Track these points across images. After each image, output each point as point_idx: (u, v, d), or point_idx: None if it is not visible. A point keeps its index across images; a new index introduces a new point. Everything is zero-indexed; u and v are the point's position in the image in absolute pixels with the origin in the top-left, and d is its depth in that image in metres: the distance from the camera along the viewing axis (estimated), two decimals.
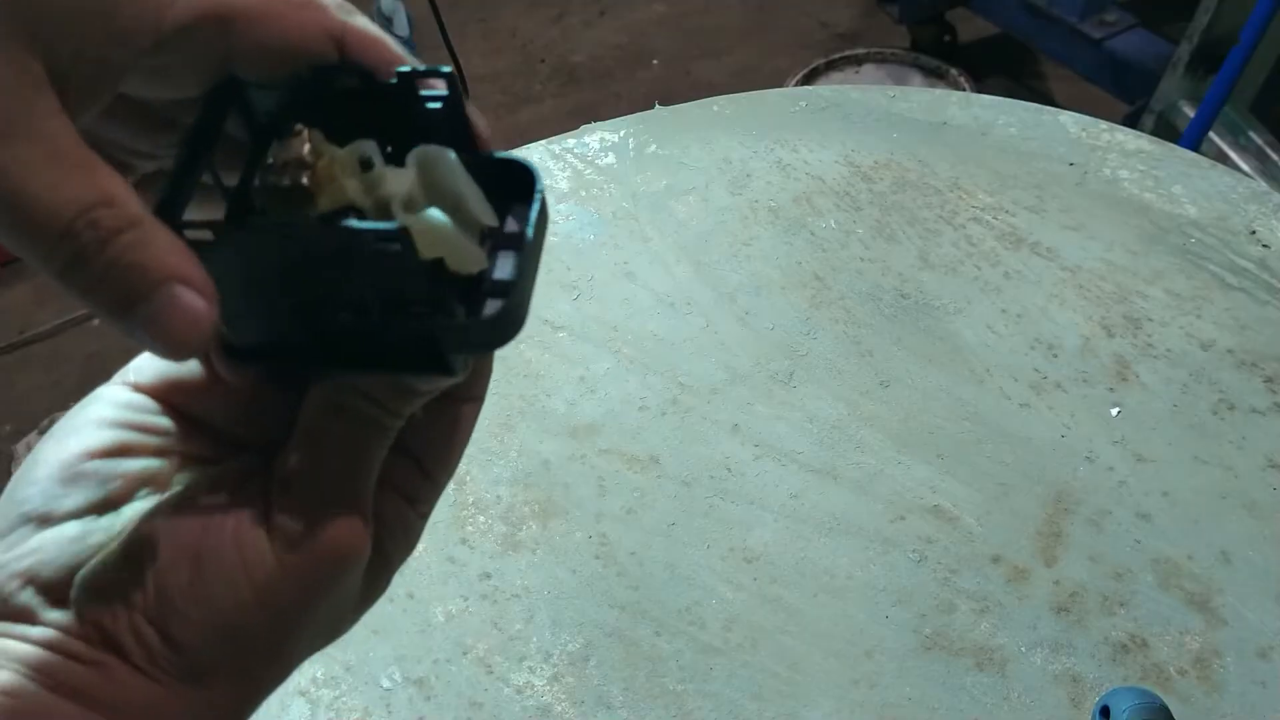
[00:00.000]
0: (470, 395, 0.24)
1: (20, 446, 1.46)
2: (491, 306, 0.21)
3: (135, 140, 0.22)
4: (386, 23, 2.11)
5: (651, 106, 0.82)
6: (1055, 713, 0.47)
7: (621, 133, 0.77)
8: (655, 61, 2.11)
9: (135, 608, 0.20)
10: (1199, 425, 0.57)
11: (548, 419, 0.60)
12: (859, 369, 0.61)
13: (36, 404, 1.54)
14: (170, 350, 0.18)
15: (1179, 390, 0.59)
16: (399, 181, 0.20)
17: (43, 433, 1.47)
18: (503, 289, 0.21)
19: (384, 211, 0.20)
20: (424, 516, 0.25)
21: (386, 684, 0.49)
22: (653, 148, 0.76)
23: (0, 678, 0.19)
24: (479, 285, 0.21)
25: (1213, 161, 0.73)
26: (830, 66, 1.78)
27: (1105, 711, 0.45)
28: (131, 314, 0.17)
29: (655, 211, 0.71)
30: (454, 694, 0.49)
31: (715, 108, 0.79)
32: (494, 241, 0.21)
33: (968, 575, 0.52)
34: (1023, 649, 0.49)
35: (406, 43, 2.13)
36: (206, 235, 0.19)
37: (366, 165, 0.20)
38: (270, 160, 0.20)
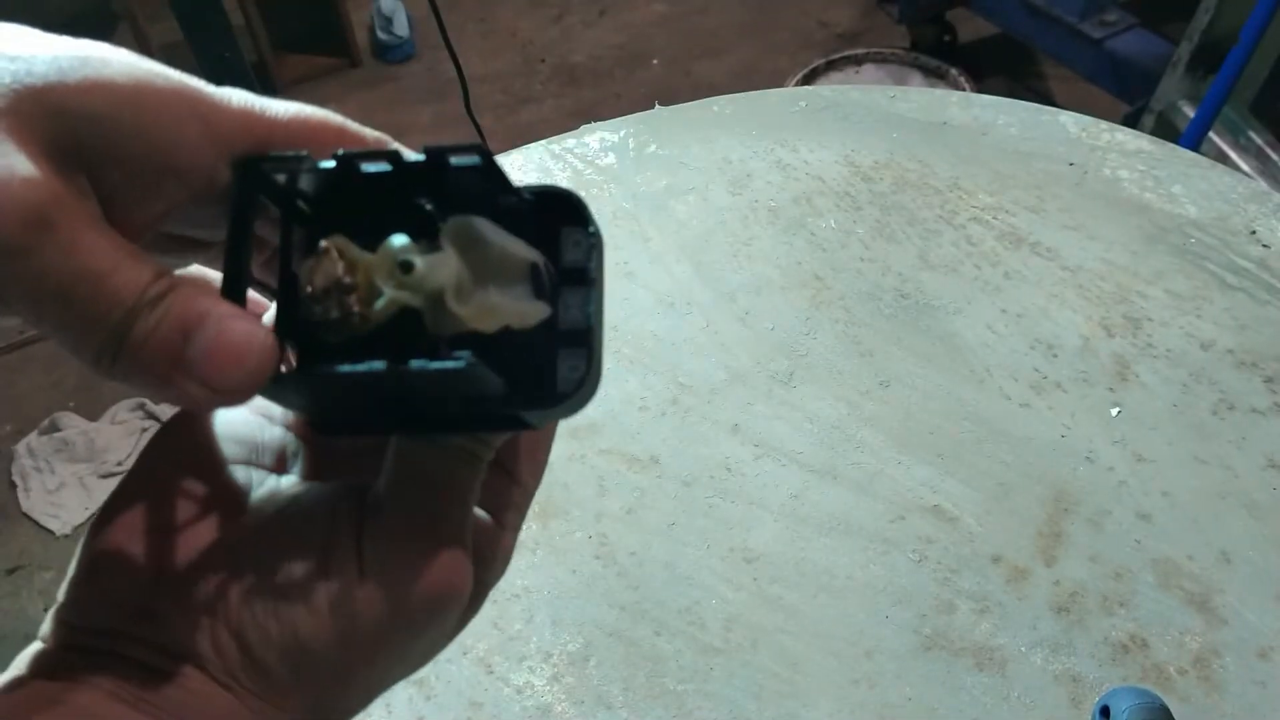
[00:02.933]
0: None
1: (20, 447, 1.46)
2: (566, 364, 0.20)
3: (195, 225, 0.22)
4: (386, 22, 2.11)
5: (651, 106, 0.82)
6: (1055, 713, 0.47)
7: (621, 133, 0.77)
8: (655, 61, 2.11)
9: (218, 617, 0.20)
10: (1199, 425, 0.57)
11: None
12: (859, 369, 0.61)
13: (36, 404, 1.54)
14: (231, 376, 0.17)
15: (1179, 390, 0.59)
16: (443, 270, 0.19)
17: (44, 433, 1.47)
18: (576, 335, 0.21)
19: (439, 307, 0.19)
20: (515, 530, 0.24)
21: None
22: (653, 148, 0.76)
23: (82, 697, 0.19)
24: (549, 336, 0.21)
25: (1213, 161, 0.73)
26: (830, 66, 1.78)
27: (1105, 711, 0.45)
28: (188, 350, 0.17)
29: (655, 211, 0.72)
30: (454, 694, 0.49)
31: (715, 108, 0.79)
32: (550, 276, 0.21)
33: (968, 575, 0.52)
34: (1023, 649, 0.49)
35: (406, 43, 2.14)
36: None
37: (406, 268, 0.19)
38: (308, 289, 0.19)
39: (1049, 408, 0.58)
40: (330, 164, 0.20)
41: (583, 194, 0.21)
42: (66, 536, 1.37)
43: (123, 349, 0.17)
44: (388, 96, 2.01)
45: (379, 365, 0.18)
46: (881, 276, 0.66)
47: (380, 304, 0.19)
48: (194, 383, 0.17)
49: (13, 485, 1.42)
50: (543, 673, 0.49)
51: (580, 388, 0.21)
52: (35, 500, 1.40)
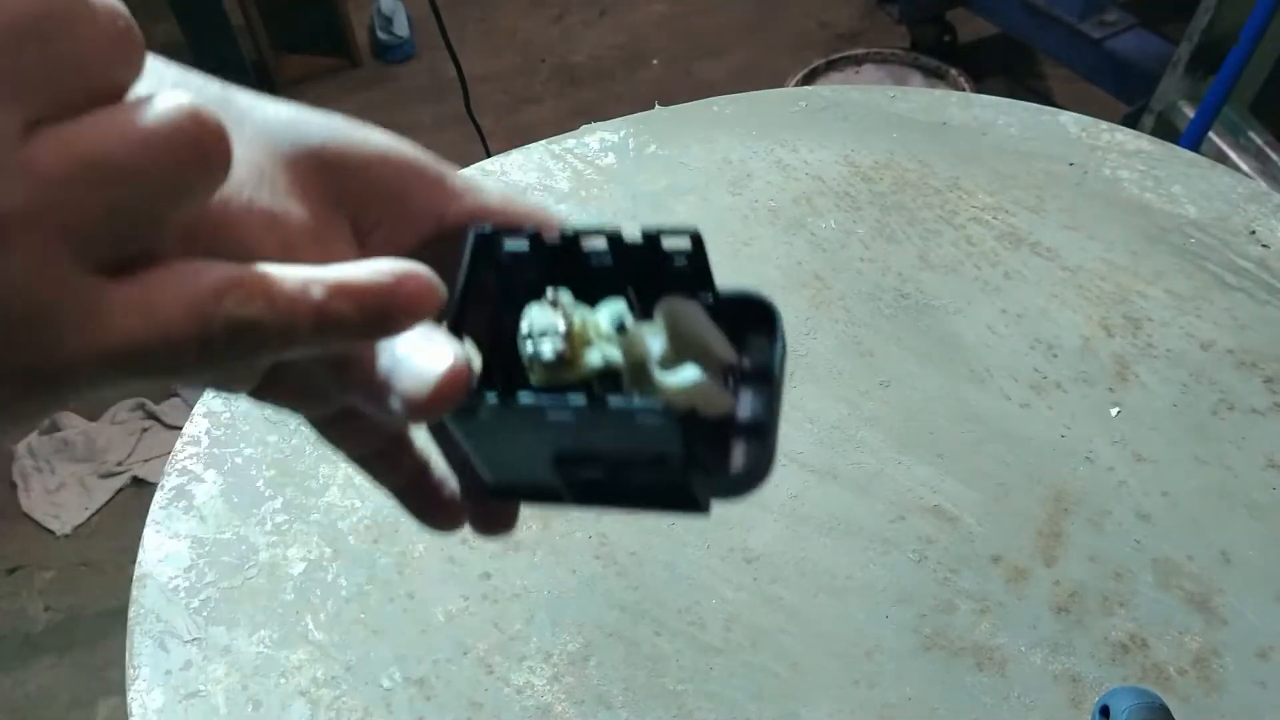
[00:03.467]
0: None
1: (20, 447, 1.46)
2: (740, 454, 0.21)
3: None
4: (386, 22, 2.11)
5: (651, 107, 0.82)
6: (1055, 713, 0.47)
7: (621, 133, 0.77)
8: (655, 62, 2.11)
9: None
10: (1199, 425, 0.57)
11: None
12: (859, 369, 0.61)
13: None
14: (429, 372, 0.18)
15: (1179, 390, 0.59)
16: (652, 340, 0.20)
17: (44, 433, 1.47)
18: (753, 430, 0.22)
19: (640, 371, 0.20)
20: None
21: (387, 684, 0.49)
22: (653, 148, 0.76)
23: None
24: (726, 427, 0.22)
25: (1212, 162, 0.73)
26: (830, 67, 1.78)
27: (1105, 711, 0.45)
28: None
29: (655, 211, 0.72)
30: (454, 694, 0.49)
31: (715, 108, 0.79)
32: (736, 377, 0.22)
33: (968, 575, 0.52)
34: (1023, 649, 0.49)
35: (406, 43, 2.13)
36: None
37: (621, 329, 0.21)
38: (527, 328, 0.21)
39: (1049, 408, 0.58)
40: (556, 240, 0.22)
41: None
42: (66, 536, 1.37)
43: (354, 374, 0.19)
44: (388, 97, 2.01)
45: (580, 399, 0.19)
46: (881, 277, 0.66)
47: (591, 355, 0.20)
48: (396, 389, 0.19)
49: (13, 485, 1.42)
50: (543, 673, 0.49)
51: (754, 473, 0.21)
52: (35, 500, 1.40)
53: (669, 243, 0.21)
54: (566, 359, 0.20)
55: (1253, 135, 1.32)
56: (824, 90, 0.82)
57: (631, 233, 0.22)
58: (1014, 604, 0.50)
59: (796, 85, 1.70)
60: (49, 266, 0.14)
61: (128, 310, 0.15)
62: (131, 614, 0.52)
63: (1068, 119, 0.76)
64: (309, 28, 2.09)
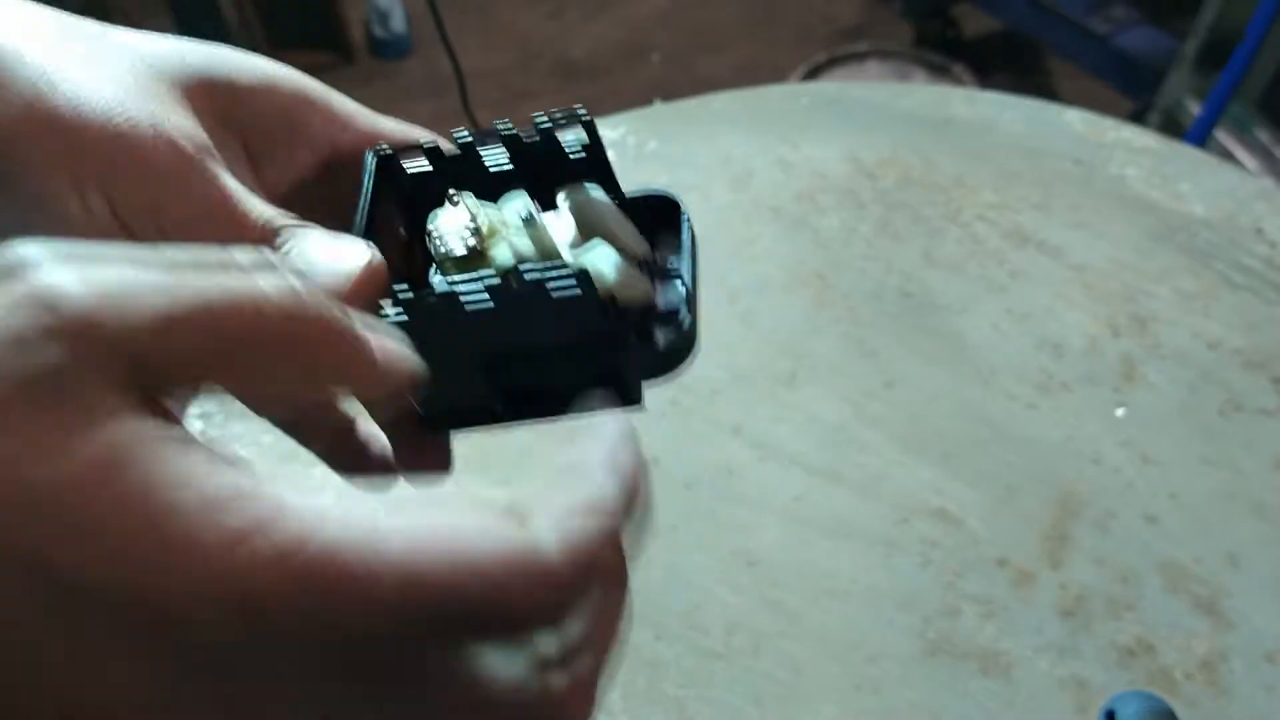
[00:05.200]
0: None
1: None
2: (665, 333, 0.21)
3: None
4: (383, 18, 2.11)
5: (651, 103, 0.81)
6: (1061, 717, 0.46)
7: (621, 129, 0.77)
8: (655, 57, 2.10)
9: None
10: (1206, 426, 0.56)
11: None
12: (862, 369, 0.60)
13: None
14: (341, 266, 0.19)
15: (1186, 391, 0.58)
16: (560, 229, 0.21)
17: None
18: (671, 315, 0.22)
19: (553, 259, 0.20)
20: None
21: None
22: (653, 145, 0.76)
23: None
24: (648, 316, 0.22)
25: (1219, 159, 0.72)
26: (833, 62, 1.77)
27: (1111, 716, 0.44)
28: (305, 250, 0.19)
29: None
30: None
31: (717, 104, 0.79)
32: (650, 274, 0.22)
33: (972, 578, 0.51)
34: (1028, 653, 0.48)
35: (403, 38, 2.13)
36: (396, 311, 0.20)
37: (528, 221, 0.21)
38: (432, 230, 0.21)
39: (1055, 408, 0.58)
40: (457, 152, 0.22)
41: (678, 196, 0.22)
42: None
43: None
44: (384, 93, 2.00)
45: (493, 276, 0.19)
46: (885, 275, 0.65)
47: (500, 248, 0.20)
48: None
49: None
50: None
51: (679, 350, 0.21)
52: None
53: (564, 134, 0.22)
54: (477, 251, 0.20)
55: (1259, 132, 1.31)
56: (827, 86, 0.81)
57: (528, 131, 0.22)
58: (1019, 608, 0.50)
59: (799, 81, 1.69)
60: None
61: None
62: None
63: (1073, 116, 0.75)
64: (304, 24, 2.08)
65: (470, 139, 0.22)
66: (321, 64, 2.10)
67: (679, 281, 0.22)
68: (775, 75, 1.81)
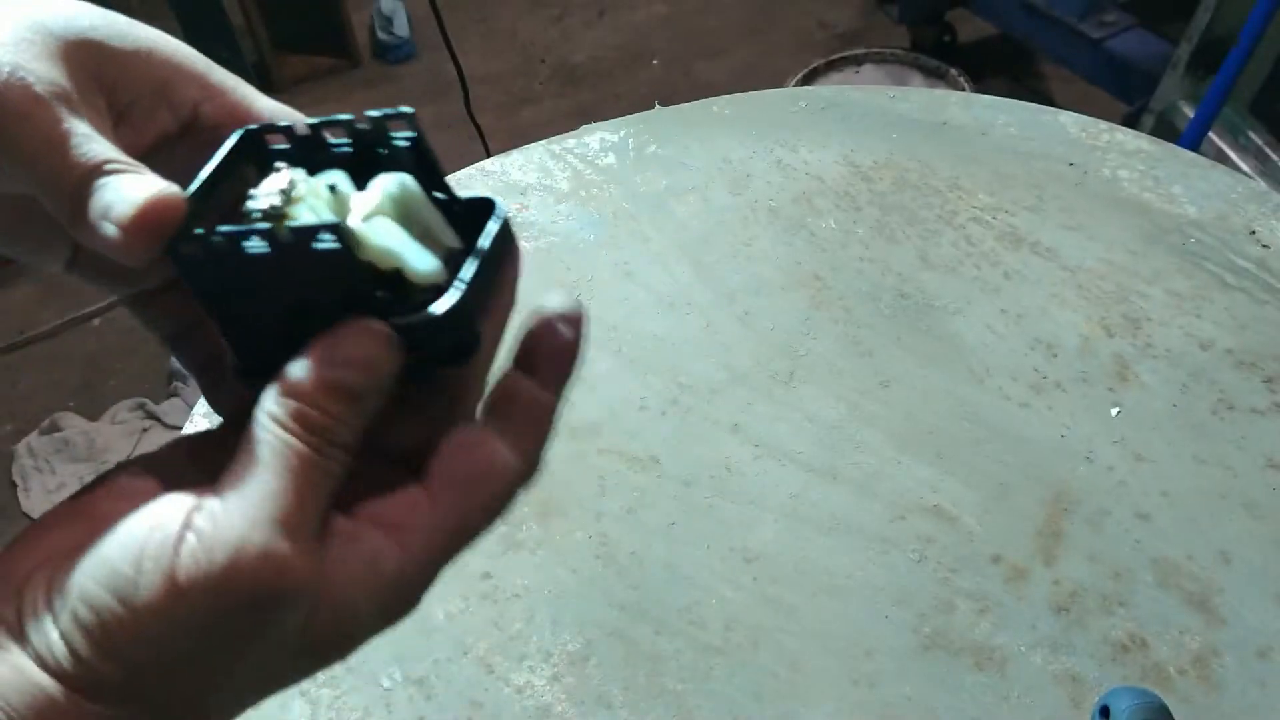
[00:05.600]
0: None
1: (20, 446, 1.46)
2: (416, 317, 0.22)
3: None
4: (387, 22, 2.11)
5: (651, 107, 0.82)
6: (1055, 712, 0.47)
7: (621, 133, 0.77)
8: (655, 62, 2.11)
9: (39, 588, 0.19)
10: (1198, 425, 0.57)
11: None
12: (859, 369, 0.61)
13: (37, 404, 1.54)
14: (135, 195, 0.20)
15: (1179, 390, 0.59)
16: (363, 202, 0.22)
17: (44, 433, 1.47)
18: (432, 300, 0.22)
19: (346, 229, 0.21)
20: (408, 547, 0.23)
21: (387, 683, 0.49)
22: (653, 148, 0.76)
23: None
24: (413, 292, 0.22)
25: (1212, 161, 0.73)
26: (830, 67, 1.78)
27: (1105, 711, 0.45)
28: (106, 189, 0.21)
29: (655, 211, 0.72)
30: (454, 694, 0.49)
31: (715, 108, 0.79)
32: (455, 267, 0.23)
33: (967, 575, 0.52)
34: (1022, 649, 0.49)
35: (406, 43, 2.13)
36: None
37: (333, 189, 0.22)
38: (252, 193, 0.22)
39: (1049, 408, 0.58)
40: (306, 132, 0.24)
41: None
42: None
43: (80, 211, 0.21)
44: (388, 97, 2.01)
45: (265, 223, 0.21)
46: (881, 276, 0.66)
47: (299, 209, 0.22)
48: (109, 222, 0.21)
49: (13, 485, 1.42)
50: (543, 673, 0.49)
51: (460, 349, 0.23)
52: (35, 500, 1.40)
53: (391, 125, 0.23)
54: (279, 212, 0.22)
55: (1252, 135, 1.32)
56: (824, 90, 0.82)
57: (364, 118, 0.23)
58: (1014, 604, 0.50)
59: (796, 85, 1.70)
60: None
61: None
62: None
63: (1068, 119, 0.76)
64: (309, 28, 2.08)
65: (318, 122, 0.24)
66: (327, 68, 2.11)
67: (464, 281, 0.22)
68: (773, 79, 1.82)
